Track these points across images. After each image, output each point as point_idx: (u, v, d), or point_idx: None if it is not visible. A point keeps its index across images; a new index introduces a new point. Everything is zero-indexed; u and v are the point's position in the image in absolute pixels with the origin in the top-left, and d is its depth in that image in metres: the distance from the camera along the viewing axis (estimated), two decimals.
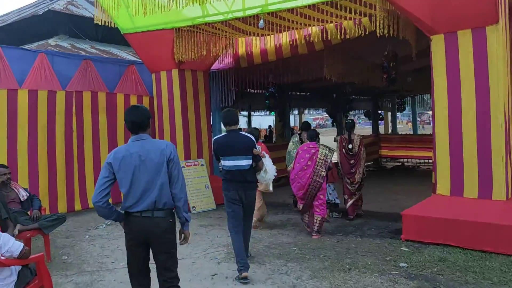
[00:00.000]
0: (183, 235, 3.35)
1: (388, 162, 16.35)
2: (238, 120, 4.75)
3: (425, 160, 15.51)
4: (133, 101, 9.00)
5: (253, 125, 18.12)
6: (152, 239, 3.12)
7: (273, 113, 9.73)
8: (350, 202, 7.30)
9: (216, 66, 9.01)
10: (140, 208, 3.07)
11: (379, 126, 17.62)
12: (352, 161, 7.24)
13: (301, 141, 7.70)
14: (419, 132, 22.17)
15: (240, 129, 5.00)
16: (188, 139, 8.42)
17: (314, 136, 6.50)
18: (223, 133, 4.82)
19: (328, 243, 5.72)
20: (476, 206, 5.27)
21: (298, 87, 12.92)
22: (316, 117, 52.12)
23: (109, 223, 7.19)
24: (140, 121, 3.18)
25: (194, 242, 5.97)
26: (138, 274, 3.24)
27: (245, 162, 4.56)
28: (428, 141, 15.83)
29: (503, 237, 4.95)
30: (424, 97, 16.80)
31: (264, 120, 34.42)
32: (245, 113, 24.29)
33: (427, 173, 14.11)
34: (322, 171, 6.04)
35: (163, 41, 7.83)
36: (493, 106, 5.17)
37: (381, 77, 8.54)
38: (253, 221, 6.28)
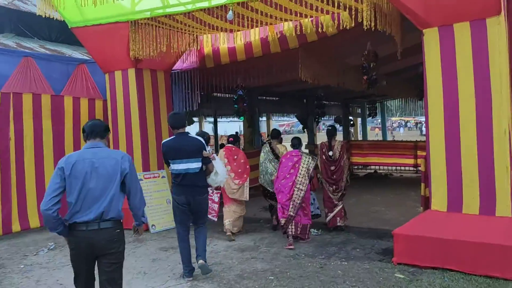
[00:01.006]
0: (138, 230, 3.41)
1: (360, 170, 15.83)
2: (185, 123, 4.73)
3: (398, 167, 15.14)
4: (84, 105, 7.94)
5: (219, 132, 17.22)
6: (98, 249, 3.02)
7: (242, 118, 8.83)
8: (330, 216, 6.72)
9: (178, 65, 8.09)
10: (86, 218, 2.97)
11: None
12: (332, 167, 6.70)
13: (272, 150, 6.98)
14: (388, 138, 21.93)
15: (188, 133, 4.87)
16: (146, 148, 7.44)
17: (297, 144, 6.32)
18: (172, 137, 4.73)
19: (311, 269, 4.89)
20: (478, 224, 4.60)
21: (267, 91, 12.18)
22: (282, 123, 51.75)
23: (52, 246, 6.13)
24: (96, 128, 3.19)
25: (152, 272, 5.02)
26: None
27: (195, 165, 4.54)
28: (400, 148, 15.66)
29: (511, 260, 4.29)
30: (391, 103, 16.38)
31: (229, 127, 33.56)
32: (211, 119, 23.44)
33: (401, 181, 13.87)
34: (304, 180, 5.93)
35: (117, 36, 6.86)
36: (495, 109, 4.53)
37: (361, 79, 7.88)
38: (228, 227, 6.37)
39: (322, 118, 13.09)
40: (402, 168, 15.20)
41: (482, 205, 4.63)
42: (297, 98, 13.45)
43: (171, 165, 4.65)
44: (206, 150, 4.68)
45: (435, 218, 4.87)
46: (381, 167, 15.29)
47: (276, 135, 7.20)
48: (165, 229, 7.05)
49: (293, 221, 5.93)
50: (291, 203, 5.89)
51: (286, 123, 52.99)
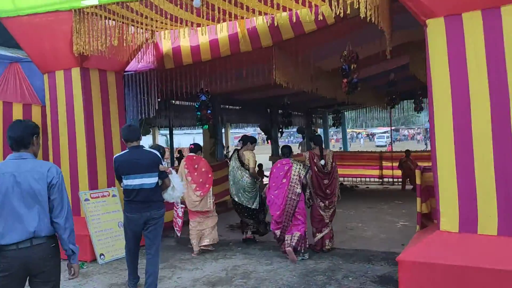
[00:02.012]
0: (72, 269, 2.94)
1: None
2: (140, 136, 4.46)
3: (363, 179, 14.67)
4: (17, 111, 6.68)
5: (175, 145, 16.08)
6: (33, 269, 2.74)
7: (206, 127, 7.86)
8: (319, 236, 6.02)
9: (133, 66, 7.02)
10: (15, 240, 2.68)
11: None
12: (326, 181, 6.01)
13: (239, 157, 6.51)
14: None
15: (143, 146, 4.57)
16: (94, 162, 6.29)
17: (287, 153, 6.05)
18: (125, 151, 4.47)
19: None
20: (497, 247, 3.89)
21: (230, 99, 11.27)
22: (237, 135, 50.71)
23: None
24: (18, 138, 2.84)
25: None
26: None
27: (151, 180, 4.31)
28: (366, 159, 15.21)
29: None
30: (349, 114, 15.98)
31: (183, 139, 32.21)
32: (164, 131, 22.08)
33: (369, 193, 13.28)
34: (296, 188, 5.68)
35: (58, 28, 5.73)
36: None
37: (335, 85, 7.17)
38: (207, 243, 6.09)
39: (287, 129, 12.34)
40: (367, 179, 14.80)
41: (500, 224, 3.92)
42: (260, 107, 12.65)
43: (123, 181, 4.35)
44: (162, 164, 4.45)
45: (446, 241, 4.11)
46: (346, 179, 14.77)
47: (246, 140, 6.45)
48: (116, 258, 5.91)
49: (288, 231, 5.69)
50: (284, 213, 5.67)
51: (241, 135, 52.21)
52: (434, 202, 5.27)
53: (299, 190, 5.72)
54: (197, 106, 7.74)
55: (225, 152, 13.73)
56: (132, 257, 4.58)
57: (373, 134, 61.00)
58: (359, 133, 60.46)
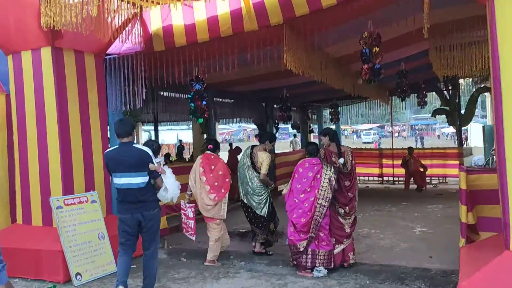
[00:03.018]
0: None
1: None
2: (131, 132, 4.17)
3: (361, 178, 13.82)
4: None
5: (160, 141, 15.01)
6: None
7: (200, 120, 6.85)
8: (339, 249, 5.09)
9: (116, 48, 5.98)
10: None
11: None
12: (347, 182, 5.15)
13: (251, 156, 5.68)
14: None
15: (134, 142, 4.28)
16: (69, 160, 5.26)
17: (314, 152, 5.20)
18: (115, 146, 4.29)
19: None
20: None
21: (221, 92, 10.27)
22: (222, 131, 49.78)
23: None
24: None
25: None
26: None
27: (139, 180, 4.03)
28: (365, 156, 14.35)
29: None
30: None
31: (167, 135, 31.01)
32: (148, 127, 20.88)
33: (371, 193, 12.14)
34: (328, 192, 4.92)
35: None
36: None
37: (348, 72, 6.26)
38: (208, 258, 5.38)
39: (286, 124, 11.39)
40: (366, 178, 14.00)
41: None
42: (255, 100, 11.67)
43: (113, 178, 4.16)
44: (153, 162, 4.09)
45: None
46: None
47: (264, 137, 5.77)
48: (96, 277, 4.90)
49: (310, 249, 4.91)
50: (312, 222, 4.88)
51: (226, 131, 51.20)
52: (481, 211, 4.45)
53: (329, 195, 4.90)
54: (190, 96, 6.72)
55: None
56: (123, 260, 4.14)
57: (358, 131, 60.74)
58: (344, 130, 60.09)
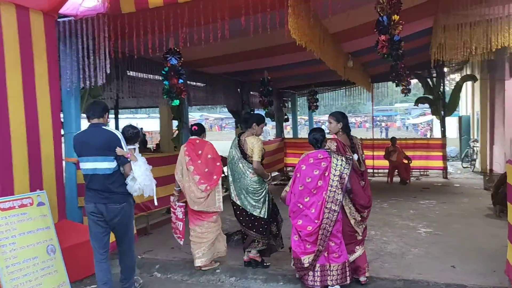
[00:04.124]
0: None
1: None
2: (103, 114, 3.85)
3: None
4: None
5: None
6: None
7: (176, 102, 5.67)
8: (352, 257, 4.15)
9: (72, 8, 4.70)
10: None
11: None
12: (362, 182, 4.20)
13: (239, 145, 4.73)
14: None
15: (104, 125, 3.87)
16: (7, 152, 4.01)
17: (320, 141, 4.09)
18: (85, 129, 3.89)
19: None
20: None
21: (193, 74, 9.09)
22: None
23: None
24: None
25: None
26: None
27: (105, 165, 3.70)
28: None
29: None
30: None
31: (125, 124, 29.18)
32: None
33: None
34: (338, 193, 3.93)
35: None
36: None
37: (350, 52, 5.29)
38: (203, 260, 4.66)
39: (266, 110, 10.29)
40: None
41: None
42: (230, 84, 10.53)
43: (80, 163, 3.87)
44: (123, 147, 3.75)
45: None
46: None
47: (249, 121, 4.79)
48: None
49: (318, 264, 3.92)
50: (320, 231, 3.89)
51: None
52: None
53: (340, 197, 3.90)
54: (164, 72, 5.53)
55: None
56: (100, 269, 3.82)
57: (320, 121, 60.81)
58: (306, 120, 59.98)
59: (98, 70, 4.86)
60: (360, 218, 4.19)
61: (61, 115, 5.03)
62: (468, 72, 12.80)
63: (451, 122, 17.34)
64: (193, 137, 4.81)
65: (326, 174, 3.93)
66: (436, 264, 4.86)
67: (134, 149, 4.04)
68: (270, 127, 19.26)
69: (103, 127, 3.83)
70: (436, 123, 29.69)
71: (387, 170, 11.67)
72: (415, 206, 8.17)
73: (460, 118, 15.91)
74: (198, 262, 4.64)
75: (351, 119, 64.97)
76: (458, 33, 7.12)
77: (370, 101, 14.63)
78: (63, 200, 4.69)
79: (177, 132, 8.35)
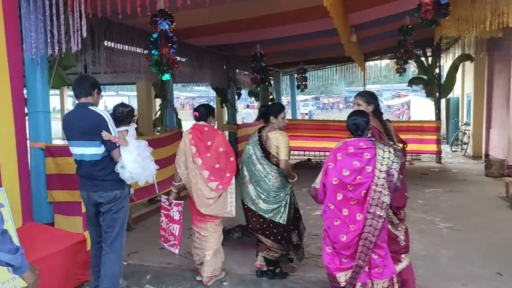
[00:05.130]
0: None
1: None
2: (91, 91, 3.42)
3: (327, 153, 12.34)
4: None
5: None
6: None
7: (167, 76, 4.68)
8: (398, 267, 3.34)
9: None
10: None
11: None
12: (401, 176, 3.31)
13: (260, 142, 3.94)
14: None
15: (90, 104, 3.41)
16: None
17: (362, 127, 3.16)
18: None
19: None
20: None
21: (179, 47, 8.04)
22: None
23: None
24: None
25: None
26: None
27: (92, 150, 3.32)
28: (335, 130, 12.81)
29: None
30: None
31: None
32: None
33: None
34: (384, 194, 2.99)
35: None
36: None
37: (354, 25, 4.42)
38: (207, 272, 3.82)
39: (259, 88, 9.33)
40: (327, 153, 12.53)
41: None
42: (216, 60, 9.51)
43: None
44: (110, 130, 3.25)
45: None
46: (308, 153, 12.42)
47: (276, 111, 3.93)
48: None
49: (359, 283, 3.08)
50: (360, 242, 3.03)
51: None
52: None
53: (387, 199, 3.02)
54: (152, 40, 4.52)
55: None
56: (94, 249, 3.57)
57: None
58: (271, 101, 59.60)
59: (71, 33, 3.82)
60: (398, 221, 3.43)
61: (24, 90, 4.02)
62: (459, 52, 12.23)
63: (430, 105, 16.89)
64: (200, 123, 3.90)
65: (370, 169, 3.09)
66: (477, 270, 4.20)
67: (127, 131, 3.45)
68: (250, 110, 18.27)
69: (90, 107, 3.36)
70: (417, 104, 29.55)
71: None
72: (422, 195, 7.54)
73: (448, 100, 15.43)
74: (202, 277, 3.81)
75: (324, 100, 64.74)
76: (473, 5, 6.45)
77: (343, 81, 14.07)
78: (29, 198, 3.73)
79: (159, 112, 7.33)
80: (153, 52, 4.57)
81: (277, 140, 3.78)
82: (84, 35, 3.78)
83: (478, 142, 11.87)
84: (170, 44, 4.55)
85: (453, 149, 13.86)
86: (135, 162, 3.37)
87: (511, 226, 5.65)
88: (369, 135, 3.27)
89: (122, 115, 3.48)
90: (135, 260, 4.45)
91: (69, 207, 4.15)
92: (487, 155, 10.89)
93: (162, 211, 4.08)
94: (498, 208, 6.61)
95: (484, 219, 6.01)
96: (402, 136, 11.14)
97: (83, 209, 3.78)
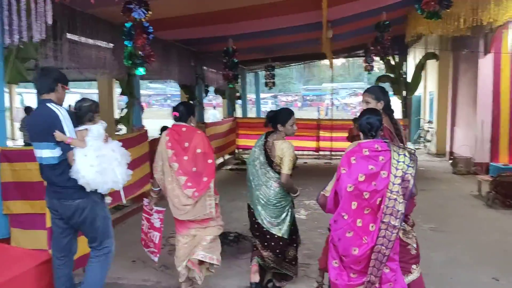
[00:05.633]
0: None
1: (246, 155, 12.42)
2: (54, 86, 3.04)
3: (297, 152, 12.14)
4: None
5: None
6: None
7: (141, 70, 4.20)
8: (409, 278, 3.08)
9: None
10: None
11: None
12: None
13: (265, 148, 3.68)
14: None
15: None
16: None
17: (376, 127, 2.86)
18: None
19: None
20: None
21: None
22: None
23: None
24: None
25: None
26: None
27: (47, 153, 3.00)
28: (300, 128, 12.62)
29: None
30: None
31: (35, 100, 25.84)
32: (22, 89, 15.69)
33: (316, 172, 10.19)
34: (399, 202, 2.72)
35: None
36: None
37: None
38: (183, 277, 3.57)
39: (232, 85, 8.90)
40: (303, 152, 12.34)
41: None
42: (184, 56, 9.01)
43: None
44: (63, 129, 2.91)
45: None
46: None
47: (284, 119, 3.65)
48: None
49: None
50: (372, 256, 2.74)
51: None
52: None
53: (402, 207, 2.75)
54: (126, 29, 4.04)
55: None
56: (57, 268, 3.16)
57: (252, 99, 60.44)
58: (238, 98, 59.39)
59: (33, 19, 3.30)
60: (409, 228, 3.20)
61: None
62: (421, 50, 12.36)
63: (397, 103, 17.17)
64: (178, 123, 3.54)
65: (385, 174, 2.82)
66: (473, 275, 4.08)
67: (86, 129, 3.02)
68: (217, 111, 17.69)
69: (48, 104, 2.99)
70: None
71: None
72: None
73: (409, 98, 15.65)
74: (191, 258, 3.50)
75: (282, 98, 65.07)
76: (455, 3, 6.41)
77: (301, 80, 13.97)
78: None
79: (125, 110, 6.78)
80: (126, 43, 4.09)
81: (282, 151, 3.52)
82: (50, 21, 3.29)
83: (442, 140, 12.06)
84: (145, 35, 4.08)
85: (416, 147, 14.06)
86: (88, 165, 2.96)
87: (494, 226, 5.63)
88: (381, 135, 3.00)
89: (79, 111, 3.05)
90: (107, 277, 3.98)
91: (29, 220, 3.68)
92: (451, 152, 11.07)
93: (143, 214, 3.78)
94: (475, 207, 6.62)
95: (464, 219, 5.98)
96: None
97: (48, 223, 3.30)
